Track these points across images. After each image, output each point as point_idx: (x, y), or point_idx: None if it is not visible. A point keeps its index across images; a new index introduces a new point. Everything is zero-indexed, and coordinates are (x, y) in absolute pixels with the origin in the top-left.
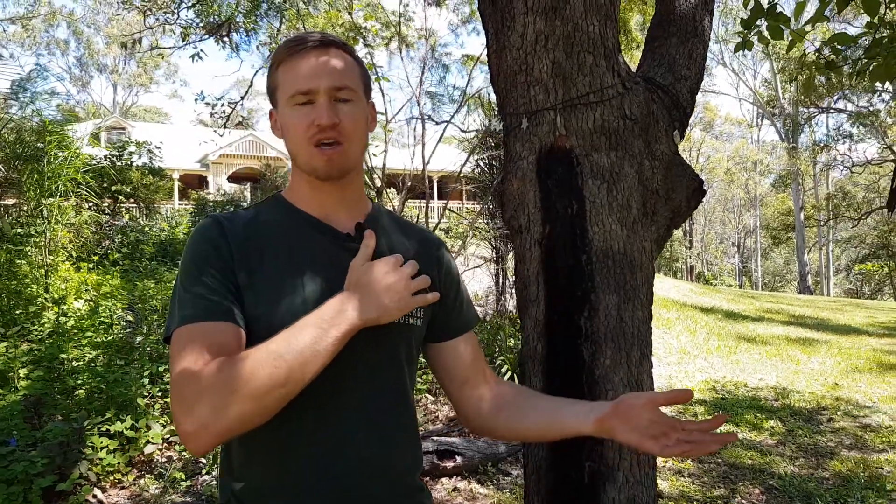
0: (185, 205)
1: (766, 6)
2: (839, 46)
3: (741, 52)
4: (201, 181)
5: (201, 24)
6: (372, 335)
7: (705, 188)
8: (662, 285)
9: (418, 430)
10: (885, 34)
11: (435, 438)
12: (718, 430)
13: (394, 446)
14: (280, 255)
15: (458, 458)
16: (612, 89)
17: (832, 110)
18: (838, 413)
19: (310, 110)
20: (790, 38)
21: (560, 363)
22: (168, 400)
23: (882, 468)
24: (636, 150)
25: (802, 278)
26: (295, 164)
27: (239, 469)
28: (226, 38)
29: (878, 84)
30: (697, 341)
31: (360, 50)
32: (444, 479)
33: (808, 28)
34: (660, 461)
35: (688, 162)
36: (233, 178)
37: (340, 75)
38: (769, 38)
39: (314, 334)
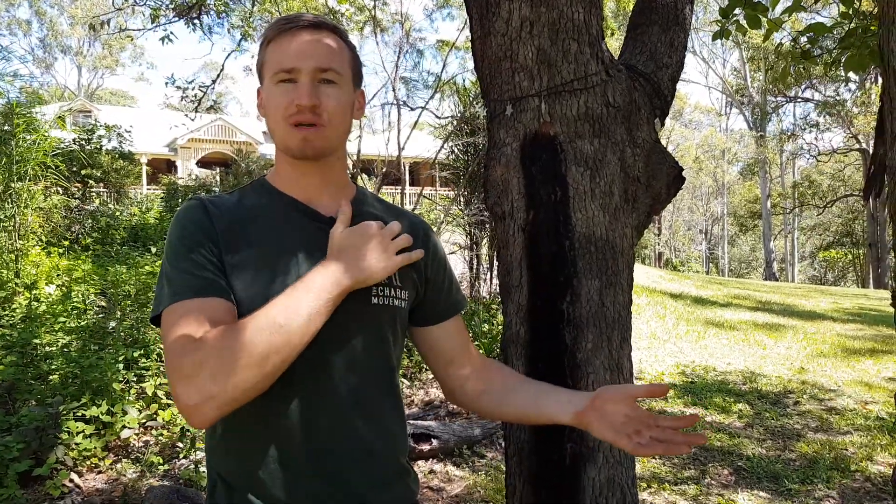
0: (155, 189)
1: None
2: (815, 36)
3: (712, 41)
4: (170, 165)
5: (171, 6)
6: (356, 317)
7: (684, 176)
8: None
9: (404, 412)
10: (859, 25)
11: (411, 422)
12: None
13: (380, 428)
14: (265, 239)
15: (434, 441)
16: (596, 77)
17: (799, 99)
18: (804, 396)
19: (291, 89)
20: (766, 28)
21: (543, 347)
22: (144, 385)
23: (846, 449)
24: (618, 138)
25: (768, 265)
26: (274, 141)
27: (225, 451)
28: (196, 21)
29: (850, 74)
30: (667, 326)
31: None
32: (420, 462)
33: (784, 18)
34: None
35: None
36: (202, 163)
37: (327, 57)
38: (746, 26)
39: (307, 300)
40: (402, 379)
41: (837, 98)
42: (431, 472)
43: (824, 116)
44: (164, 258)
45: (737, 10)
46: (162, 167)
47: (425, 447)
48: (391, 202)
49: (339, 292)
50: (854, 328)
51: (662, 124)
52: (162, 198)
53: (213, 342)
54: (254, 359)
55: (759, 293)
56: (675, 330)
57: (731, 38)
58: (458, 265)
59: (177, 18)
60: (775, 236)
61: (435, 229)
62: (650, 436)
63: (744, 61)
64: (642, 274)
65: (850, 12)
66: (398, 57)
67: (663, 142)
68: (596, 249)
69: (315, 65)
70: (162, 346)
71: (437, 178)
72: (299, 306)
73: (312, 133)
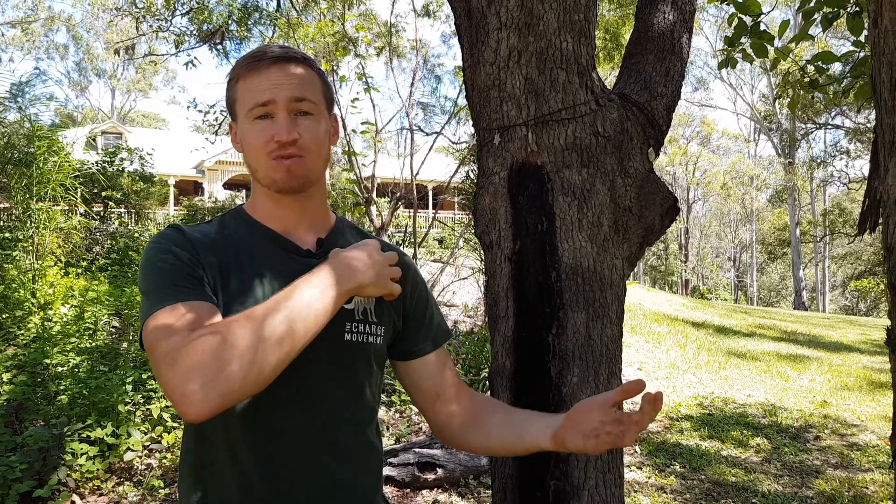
0: (179, 210)
1: (749, 24)
2: (823, 65)
3: (738, 67)
4: (197, 187)
5: (194, 32)
6: (327, 354)
7: (679, 206)
8: (655, 299)
9: (380, 449)
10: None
11: (416, 450)
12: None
13: (350, 467)
14: (243, 270)
15: (440, 471)
16: (585, 106)
17: (829, 126)
18: (826, 431)
19: (269, 125)
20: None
21: (528, 380)
22: (150, 407)
23: (867, 487)
24: (608, 168)
25: (798, 294)
26: (254, 177)
27: (193, 484)
28: (219, 46)
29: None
30: (687, 356)
31: (352, 60)
32: (424, 492)
33: (792, 46)
34: (642, 478)
35: (684, 175)
36: (228, 185)
37: (300, 86)
38: (753, 55)
39: (312, 294)
40: (411, 406)
41: (868, 125)
42: (435, 502)
43: (855, 143)
44: (142, 283)
45: (743, 39)
46: (189, 189)
47: (430, 476)
48: (402, 227)
49: (342, 292)
50: (881, 360)
51: (657, 154)
52: (182, 219)
53: (213, 333)
54: (253, 351)
55: (784, 323)
56: (696, 360)
57: (759, 63)
58: (471, 290)
59: (200, 44)
60: (805, 265)
61: (449, 252)
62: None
63: (772, 87)
64: (664, 302)
65: (862, 40)
66: (412, 83)
67: (690, 167)
68: (583, 281)
69: (289, 95)
70: (146, 347)
71: (455, 202)
72: (303, 302)
73: (296, 164)
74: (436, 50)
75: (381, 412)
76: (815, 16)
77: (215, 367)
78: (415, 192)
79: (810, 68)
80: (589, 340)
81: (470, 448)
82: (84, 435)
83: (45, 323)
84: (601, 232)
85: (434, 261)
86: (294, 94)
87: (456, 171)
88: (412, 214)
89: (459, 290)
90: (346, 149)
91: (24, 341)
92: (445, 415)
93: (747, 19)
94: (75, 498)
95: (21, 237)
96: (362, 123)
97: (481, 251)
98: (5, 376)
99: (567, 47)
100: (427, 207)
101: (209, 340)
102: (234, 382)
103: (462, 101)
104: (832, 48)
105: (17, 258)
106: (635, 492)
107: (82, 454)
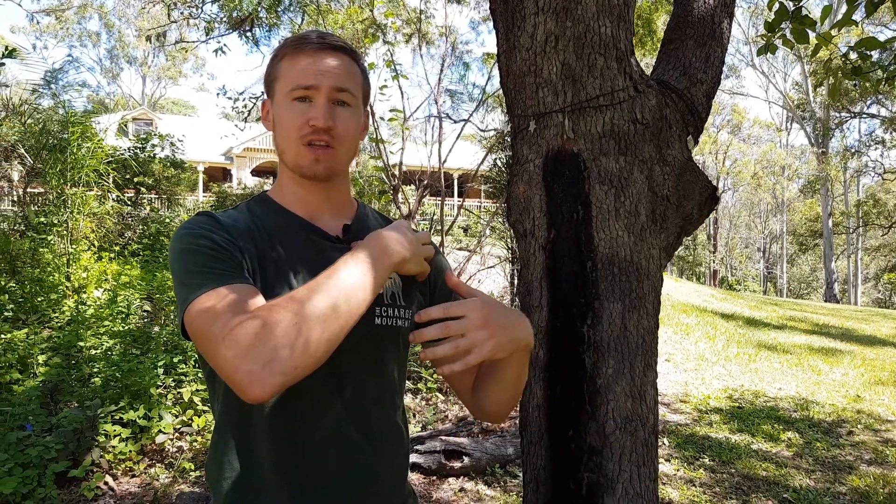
0: (208, 197)
1: (791, 9)
2: (867, 52)
3: (771, 54)
4: (225, 174)
5: (224, 19)
6: (359, 337)
7: (719, 195)
8: (683, 289)
9: (408, 434)
10: None
11: (443, 438)
12: None
13: (380, 450)
14: (279, 258)
15: (466, 459)
16: (623, 92)
17: (864, 115)
18: (859, 426)
19: (307, 108)
20: (816, 42)
21: (562, 371)
22: (181, 391)
23: None
24: (647, 156)
25: (829, 286)
26: (281, 159)
27: (220, 474)
28: (248, 33)
29: None
30: (716, 348)
31: (381, 47)
32: (450, 479)
33: (833, 32)
34: (670, 470)
35: (714, 165)
36: (256, 172)
37: (344, 77)
38: (794, 41)
39: (355, 273)
40: (437, 393)
41: None
42: (462, 490)
43: (891, 133)
44: (180, 265)
45: (783, 24)
46: (218, 175)
47: (456, 465)
48: (427, 215)
49: (388, 267)
50: None
51: (696, 142)
52: (212, 205)
53: (273, 311)
54: (317, 326)
55: (816, 315)
56: (725, 352)
57: (793, 50)
58: (498, 279)
59: (230, 31)
60: (837, 256)
61: (476, 241)
62: None
63: (805, 75)
64: (693, 292)
65: None
66: (441, 70)
67: (721, 157)
68: (619, 271)
69: (333, 84)
70: (195, 333)
71: (482, 191)
72: (355, 278)
73: (324, 154)
74: (464, 37)
75: (408, 400)
76: (859, 0)
77: (275, 347)
78: (442, 180)
79: (853, 55)
80: (625, 331)
81: (495, 410)
82: (117, 417)
83: (79, 306)
84: (638, 221)
85: (460, 248)
86: (337, 84)
87: (483, 160)
88: (439, 202)
89: (486, 278)
90: (374, 136)
91: (59, 324)
92: (478, 386)
93: (789, 4)
94: (108, 479)
95: (56, 222)
96: (390, 111)
97: (508, 240)
98: (41, 358)
99: (605, 32)
100: (453, 195)
101: (278, 318)
102: (295, 360)
103: (490, 89)
104: (869, 34)
105: (52, 242)
106: (664, 484)
107: (115, 436)
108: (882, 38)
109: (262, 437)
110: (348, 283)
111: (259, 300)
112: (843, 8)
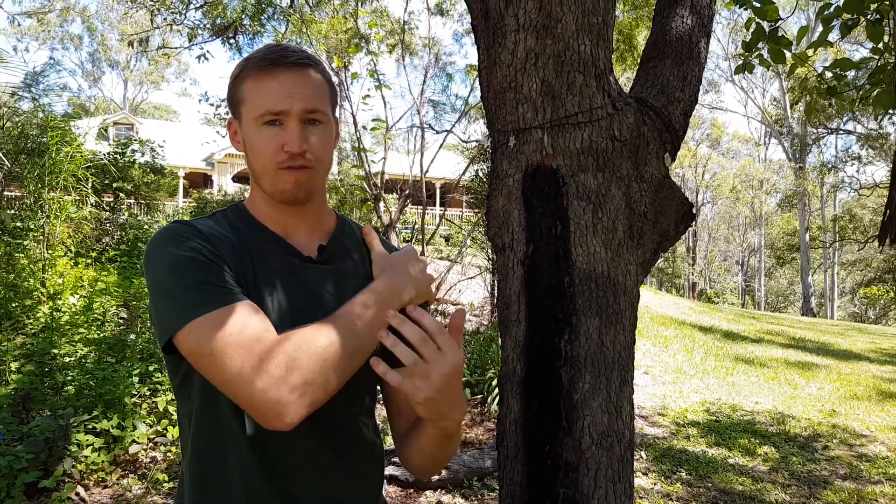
0: (189, 202)
1: (767, 30)
2: (841, 72)
3: (749, 73)
4: (206, 180)
5: (208, 25)
6: None
7: (695, 212)
8: (662, 302)
9: (382, 447)
10: (889, 60)
11: None
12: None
13: (357, 470)
14: (255, 275)
15: (443, 471)
16: (602, 110)
17: (841, 131)
18: (834, 441)
19: (278, 132)
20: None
21: (539, 386)
22: (156, 400)
23: (877, 500)
24: (624, 172)
25: (806, 300)
26: (257, 182)
27: (191, 493)
28: (232, 40)
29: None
30: (694, 361)
31: (364, 57)
32: (427, 492)
33: (810, 52)
34: (647, 484)
35: (694, 178)
36: (237, 178)
37: (313, 97)
38: (770, 61)
39: (378, 310)
40: None
41: (880, 131)
42: (439, 502)
43: (867, 149)
44: (170, 277)
45: (760, 44)
46: (199, 181)
47: (433, 477)
48: (409, 224)
49: (399, 306)
50: (891, 370)
51: (673, 159)
52: (191, 212)
53: (299, 339)
54: (336, 360)
55: (793, 329)
56: (703, 365)
57: (770, 68)
58: (478, 289)
59: (214, 38)
60: (814, 270)
61: (457, 251)
62: None
63: (784, 91)
64: (671, 305)
65: (881, 47)
66: (424, 80)
67: (699, 170)
68: (597, 286)
69: (303, 107)
70: (198, 353)
71: (464, 201)
72: (371, 316)
73: (304, 175)
74: (448, 48)
75: (384, 412)
76: (834, 22)
77: (305, 376)
78: (424, 190)
79: (828, 75)
80: (601, 347)
81: (409, 458)
82: (90, 426)
83: (54, 313)
84: (616, 237)
85: (441, 258)
86: (307, 106)
87: (465, 170)
88: (420, 212)
89: (466, 289)
90: (356, 145)
91: (33, 331)
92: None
93: (765, 24)
94: (80, 489)
95: (32, 226)
96: (373, 120)
97: (489, 251)
98: (13, 365)
99: (585, 50)
100: (435, 205)
101: (304, 347)
102: (324, 389)
103: (473, 100)
104: (845, 54)
105: (28, 247)
106: (641, 498)
107: (88, 445)
108: (858, 56)
109: (232, 450)
110: (367, 322)
111: (267, 322)
112: (820, 28)
